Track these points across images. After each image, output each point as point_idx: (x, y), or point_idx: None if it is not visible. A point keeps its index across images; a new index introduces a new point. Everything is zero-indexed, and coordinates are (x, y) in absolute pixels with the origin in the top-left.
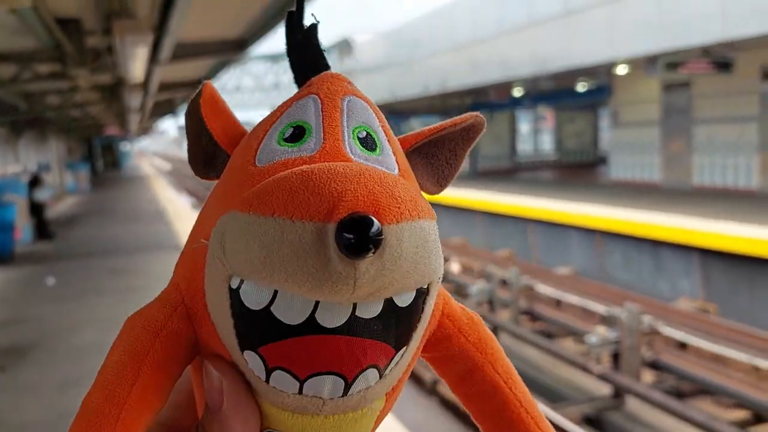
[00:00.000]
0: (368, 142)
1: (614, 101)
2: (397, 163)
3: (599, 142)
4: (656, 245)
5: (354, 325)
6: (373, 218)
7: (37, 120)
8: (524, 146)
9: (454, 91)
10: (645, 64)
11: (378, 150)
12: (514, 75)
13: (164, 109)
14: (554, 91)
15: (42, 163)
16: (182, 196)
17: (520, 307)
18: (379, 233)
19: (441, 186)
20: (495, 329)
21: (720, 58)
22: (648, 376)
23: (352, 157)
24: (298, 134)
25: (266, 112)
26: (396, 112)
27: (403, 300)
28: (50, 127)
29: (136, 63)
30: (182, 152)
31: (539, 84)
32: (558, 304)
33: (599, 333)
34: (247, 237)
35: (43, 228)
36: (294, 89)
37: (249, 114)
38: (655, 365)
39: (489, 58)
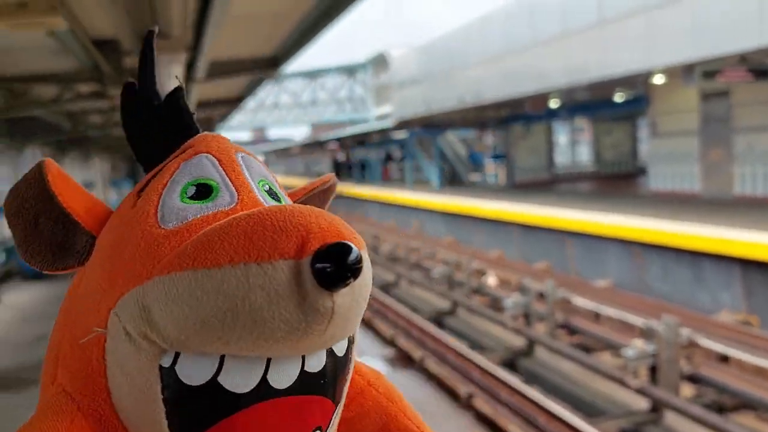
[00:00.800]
0: (273, 195)
1: (652, 111)
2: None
3: (638, 152)
4: (696, 257)
5: (304, 382)
6: (351, 244)
7: (81, 139)
8: (562, 158)
9: (490, 103)
10: (682, 73)
11: (282, 201)
12: (550, 86)
13: (203, 126)
14: (591, 102)
15: (86, 181)
16: None
17: (556, 320)
18: (358, 260)
19: None
20: (531, 343)
21: (758, 66)
22: (687, 390)
23: (267, 205)
24: (204, 192)
25: (304, 129)
26: (432, 125)
27: (340, 348)
28: (94, 145)
29: (171, 82)
30: None
31: (576, 95)
32: (596, 317)
33: (637, 346)
34: (195, 296)
35: None
36: (335, 105)
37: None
38: (694, 379)
39: (524, 70)
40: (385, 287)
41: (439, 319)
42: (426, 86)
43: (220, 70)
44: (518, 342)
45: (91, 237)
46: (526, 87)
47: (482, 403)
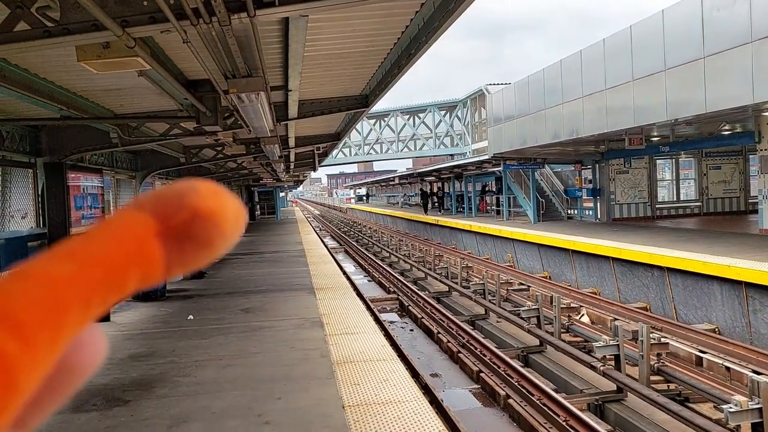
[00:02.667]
0: None
1: (762, 146)
2: None
3: (749, 189)
4: None
5: None
6: None
7: (196, 169)
8: (664, 193)
9: (587, 138)
10: None
11: None
12: (649, 121)
13: (306, 160)
14: (696, 137)
15: None
16: (326, 239)
17: (651, 365)
18: None
19: None
20: (620, 389)
21: None
22: None
23: None
24: None
25: (407, 162)
26: (527, 160)
27: None
28: (210, 177)
29: (260, 120)
30: (330, 200)
31: (678, 130)
32: (698, 364)
33: (739, 400)
34: None
35: None
36: (434, 140)
37: (392, 164)
38: None
39: (622, 105)
40: (473, 321)
41: (526, 356)
42: (521, 121)
43: (313, 108)
44: (608, 386)
45: None
46: (625, 122)
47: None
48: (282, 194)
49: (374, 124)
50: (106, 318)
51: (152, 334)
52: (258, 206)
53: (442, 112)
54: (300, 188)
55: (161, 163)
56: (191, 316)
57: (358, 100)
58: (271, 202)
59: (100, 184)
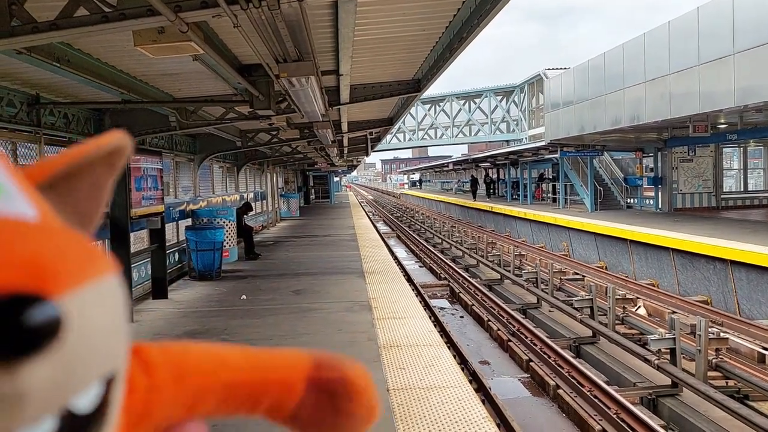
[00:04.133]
0: None
1: None
2: (32, 204)
3: None
4: None
5: None
6: (35, 294)
7: (254, 154)
8: (731, 183)
9: (649, 125)
10: None
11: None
12: (716, 107)
13: (360, 144)
14: (766, 125)
15: (258, 193)
16: (378, 224)
17: (708, 360)
18: (54, 316)
19: (86, 228)
20: (675, 384)
21: None
22: None
23: None
24: None
25: (462, 148)
26: (585, 147)
27: (85, 403)
28: (266, 161)
29: (311, 104)
30: (384, 185)
31: (747, 117)
32: (760, 361)
33: None
34: None
35: (250, 249)
36: (490, 126)
37: (446, 150)
38: None
39: (687, 90)
40: (524, 309)
41: (578, 347)
42: (580, 107)
43: (365, 92)
44: (663, 380)
45: None
46: (689, 109)
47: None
48: (336, 179)
49: (429, 109)
50: (164, 295)
51: (207, 312)
52: (312, 190)
53: (499, 98)
54: (354, 173)
55: (218, 147)
56: (244, 296)
57: (410, 85)
58: (325, 187)
59: (159, 166)
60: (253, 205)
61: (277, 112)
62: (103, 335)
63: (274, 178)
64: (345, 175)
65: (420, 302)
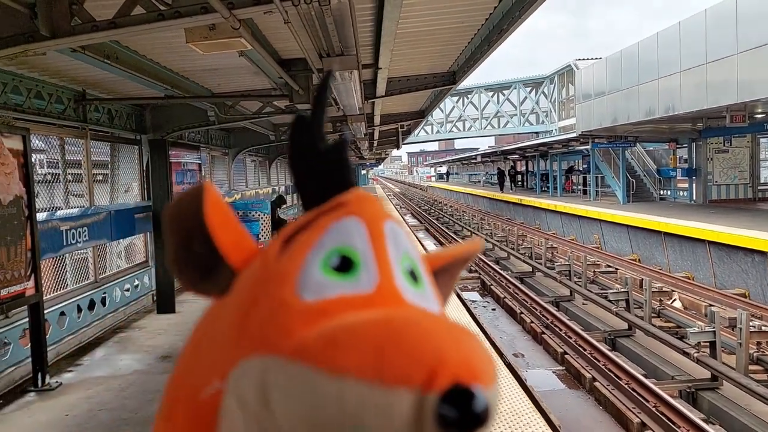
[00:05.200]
0: (413, 276)
1: None
2: (436, 297)
3: None
4: None
5: None
6: (479, 389)
7: (285, 148)
8: (767, 174)
9: (683, 115)
10: None
11: (421, 284)
12: (755, 96)
13: (390, 137)
14: None
15: (290, 186)
16: (406, 216)
17: (749, 354)
18: (486, 408)
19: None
20: (715, 377)
21: None
22: None
23: (405, 296)
24: (346, 264)
25: (489, 140)
26: (617, 138)
27: None
28: None
29: (351, 97)
30: (411, 178)
31: None
32: None
33: None
34: (314, 399)
35: None
36: (519, 117)
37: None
38: None
39: (725, 80)
40: (557, 302)
41: (613, 340)
42: (612, 98)
43: (400, 85)
44: (702, 373)
45: (233, 271)
46: (727, 98)
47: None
48: (363, 172)
49: (457, 101)
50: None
51: None
52: None
53: (528, 89)
54: (381, 166)
55: (252, 141)
56: None
57: (446, 77)
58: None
59: (197, 161)
60: (285, 198)
61: None
62: (492, 424)
63: None
64: (372, 168)
65: (453, 294)
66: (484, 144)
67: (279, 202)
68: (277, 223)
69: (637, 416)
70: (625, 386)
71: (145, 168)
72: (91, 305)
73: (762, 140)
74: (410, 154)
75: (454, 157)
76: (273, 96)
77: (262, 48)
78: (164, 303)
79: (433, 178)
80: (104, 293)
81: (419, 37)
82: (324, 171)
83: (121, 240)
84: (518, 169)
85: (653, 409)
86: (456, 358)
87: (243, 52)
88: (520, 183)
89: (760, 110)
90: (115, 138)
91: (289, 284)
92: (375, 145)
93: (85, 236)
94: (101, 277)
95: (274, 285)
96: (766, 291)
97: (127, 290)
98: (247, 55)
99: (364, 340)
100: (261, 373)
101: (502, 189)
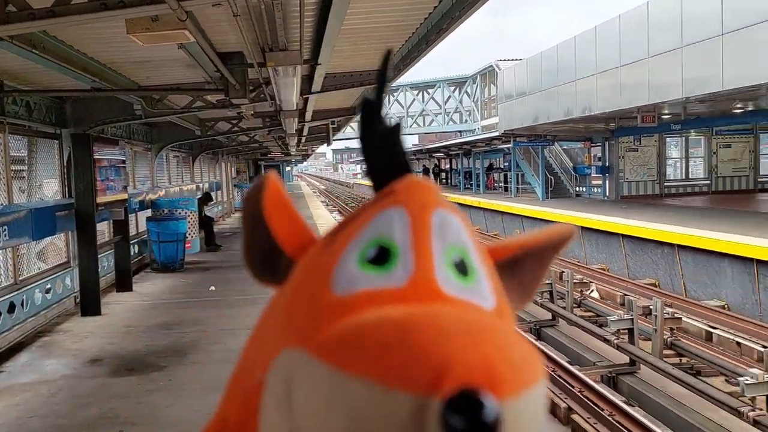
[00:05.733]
0: (462, 267)
1: None
2: (492, 290)
3: (759, 168)
4: None
5: None
6: (490, 397)
7: (210, 144)
8: (673, 172)
9: (599, 116)
10: None
11: (472, 276)
12: (664, 98)
13: (320, 134)
14: (708, 115)
15: (213, 183)
16: (333, 213)
17: (663, 339)
18: (497, 420)
19: (524, 302)
20: (634, 362)
21: None
22: None
23: (446, 289)
24: (383, 256)
25: (414, 138)
26: (537, 137)
27: None
28: (222, 150)
29: (290, 93)
30: (337, 175)
31: (690, 107)
32: (708, 339)
33: (754, 374)
34: (326, 397)
35: (210, 240)
36: (443, 116)
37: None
38: None
39: (636, 82)
40: None
41: (538, 330)
42: (533, 98)
43: (335, 82)
44: (621, 359)
45: (291, 261)
46: (639, 100)
47: (581, 420)
48: (288, 168)
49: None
50: (129, 288)
51: (176, 304)
52: None
53: (452, 88)
54: (305, 163)
55: (177, 136)
56: (213, 287)
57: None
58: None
59: (121, 156)
60: (212, 195)
61: (253, 100)
62: None
63: (228, 168)
64: (296, 165)
65: None
66: (409, 142)
67: (206, 199)
68: (204, 221)
69: (564, 401)
70: (552, 373)
71: (66, 164)
72: (11, 308)
73: (668, 140)
74: (335, 151)
75: None
76: (206, 90)
77: (203, 40)
78: (89, 305)
79: (359, 176)
80: (24, 296)
81: (359, 34)
82: (379, 157)
83: (41, 240)
84: (442, 167)
85: (579, 393)
86: (469, 361)
87: (183, 44)
88: (444, 180)
89: (666, 111)
90: (33, 132)
91: (325, 277)
92: (303, 140)
93: (5, 236)
94: (21, 279)
95: (313, 277)
96: (675, 280)
97: (48, 292)
98: (186, 48)
99: (373, 339)
100: (288, 367)
101: None
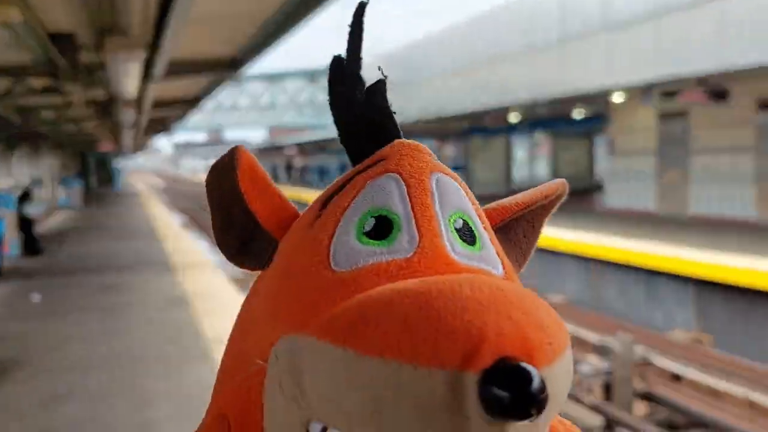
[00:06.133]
0: (466, 234)
1: (611, 129)
2: (498, 255)
3: (595, 169)
4: (651, 275)
5: None
6: (532, 368)
7: (31, 135)
8: (519, 172)
9: (452, 116)
10: (641, 92)
11: (478, 243)
12: (511, 100)
13: (159, 126)
14: (551, 118)
15: (35, 178)
16: (174, 214)
17: None
18: (543, 389)
19: (520, 265)
20: None
21: (715, 88)
22: (640, 408)
23: (455, 257)
24: (383, 227)
25: (262, 132)
26: None
27: None
28: (44, 142)
29: (128, 80)
30: (176, 170)
31: (536, 110)
32: None
33: (591, 363)
34: (344, 381)
35: (31, 243)
36: (295, 109)
37: (245, 133)
38: (647, 397)
39: (486, 84)
40: None
41: None
42: (389, 95)
43: (179, 69)
44: None
45: (273, 241)
46: (487, 101)
47: None
48: (120, 163)
49: (231, 90)
50: None
51: None
52: (94, 175)
53: (305, 80)
54: (141, 159)
55: None
56: (37, 296)
57: (227, 64)
58: (108, 171)
59: None
60: (32, 192)
61: (85, 87)
62: (555, 408)
63: (52, 162)
64: (130, 159)
65: (239, 294)
66: (256, 136)
67: (25, 197)
68: (24, 222)
69: None
70: None
71: None
72: None
73: (515, 141)
74: (177, 146)
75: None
76: (29, 74)
77: (33, 18)
78: None
79: (202, 172)
80: None
81: (206, 18)
82: (363, 122)
83: None
84: (294, 165)
85: None
86: (503, 331)
87: (9, 23)
88: (299, 176)
89: (514, 113)
90: None
91: (321, 254)
92: (141, 132)
93: None
94: None
95: (306, 255)
96: (542, 281)
97: None
98: (12, 28)
99: (393, 316)
100: (293, 353)
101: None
